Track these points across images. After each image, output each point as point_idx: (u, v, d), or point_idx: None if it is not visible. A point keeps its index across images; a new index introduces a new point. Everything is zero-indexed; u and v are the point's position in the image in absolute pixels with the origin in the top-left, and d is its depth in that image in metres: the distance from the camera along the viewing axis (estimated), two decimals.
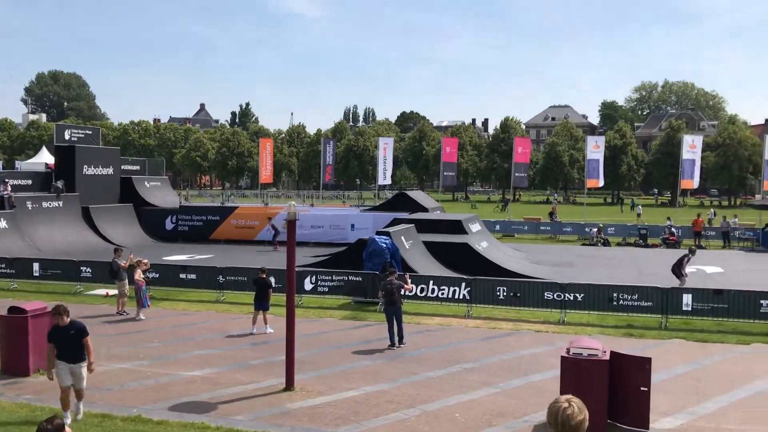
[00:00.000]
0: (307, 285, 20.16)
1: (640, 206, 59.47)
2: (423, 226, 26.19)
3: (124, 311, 18.52)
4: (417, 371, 13.23)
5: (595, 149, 43.90)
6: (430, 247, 24.60)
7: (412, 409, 11.03)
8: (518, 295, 18.43)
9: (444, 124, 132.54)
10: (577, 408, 3.69)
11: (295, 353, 12.15)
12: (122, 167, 39.54)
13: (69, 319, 10.24)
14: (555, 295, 18.04)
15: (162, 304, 19.88)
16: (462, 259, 24.06)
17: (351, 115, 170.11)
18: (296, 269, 13.67)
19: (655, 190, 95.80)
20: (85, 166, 35.51)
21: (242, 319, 17.97)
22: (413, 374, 13.03)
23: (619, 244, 36.75)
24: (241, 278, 20.76)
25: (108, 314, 18.57)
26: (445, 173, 49.17)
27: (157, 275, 21.24)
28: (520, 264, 26.27)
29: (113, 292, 19.79)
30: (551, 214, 47.49)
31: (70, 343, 10.14)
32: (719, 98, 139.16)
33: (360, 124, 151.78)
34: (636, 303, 17.53)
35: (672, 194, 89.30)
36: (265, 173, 49.99)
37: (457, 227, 27.08)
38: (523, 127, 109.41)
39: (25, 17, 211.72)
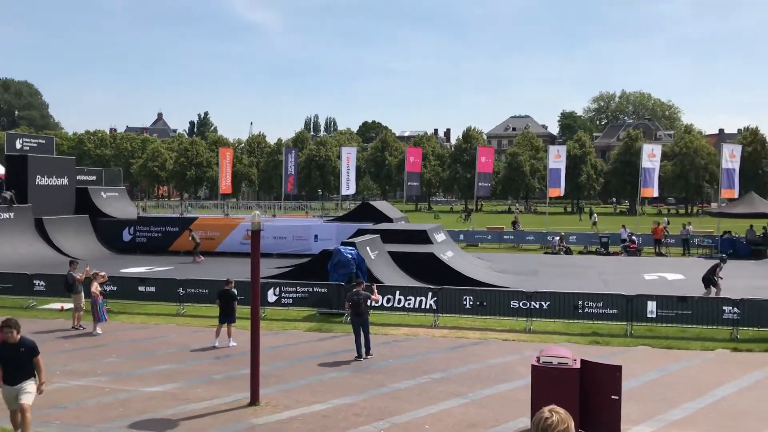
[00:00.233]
0: (271, 297, 19.76)
1: (596, 215, 60.32)
2: (388, 237, 26.00)
3: (80, 326, 17.90)
4: (385, 383, 12.98)
5: (556, 158, 44.33)
6: (396, 257, 24.41)
7: (381, 421, 10.77)
8: (484, 304, 18.34)
9: (406, 134, 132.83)
10: (557, 418, 3.61)
11: (260, 367, 11.80)
12: (77, 177, 38.49)
13: (19, 336, 9.37)
14: (521, 304, 17.99)
15: (120, 318, 19.29)
16: (428, 269, 23.91)
17: (312, 125, 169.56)
18: (260, 281, 13.32)
19: (614, 199, 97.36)
20: (38, 176, 34.46)
21: (204, 333, 17.51)
22: (381, 386, 12.77)
23: (581, 252, 37.07)
24: (202, 290, 20.24)
25: (63, 329, 17.93)
26: (409, 183, 49.11)
27: (115, 288, 20.62)
28: (485, 273, 26.24)
29: (68, 306, 19.12)
30: (514, 224, 47.78)
31: (18, 362, 9.28)
32: (675, 108, 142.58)
33: (321, 134, 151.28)
34: (601, 310, 17.58)
35: (630, 203, 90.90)
36: (225, 183, 49.27)
37: (423, 237, 26.96)
38: (485, 137, 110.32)
39: None
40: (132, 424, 10.65)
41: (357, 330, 14.99)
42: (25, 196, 33.19)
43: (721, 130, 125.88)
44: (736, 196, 39.51)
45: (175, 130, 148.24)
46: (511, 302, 18.09)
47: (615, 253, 35.94)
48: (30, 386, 9.37)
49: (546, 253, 37.00)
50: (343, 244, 21.84)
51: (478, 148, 50.08)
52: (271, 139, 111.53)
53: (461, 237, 40.32)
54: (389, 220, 33.29)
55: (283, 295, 19.83)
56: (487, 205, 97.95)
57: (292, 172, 51.18)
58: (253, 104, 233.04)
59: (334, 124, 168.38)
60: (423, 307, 18.82)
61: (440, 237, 28.78)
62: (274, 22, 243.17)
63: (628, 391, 11.42)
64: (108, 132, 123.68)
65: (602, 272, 28.26)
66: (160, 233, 36.28)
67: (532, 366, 9.87)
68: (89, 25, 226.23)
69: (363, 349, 14.91)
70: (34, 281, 21.55)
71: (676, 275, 27.11)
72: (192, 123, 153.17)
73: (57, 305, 20.67)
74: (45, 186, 34.79)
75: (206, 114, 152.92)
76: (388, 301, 19.04)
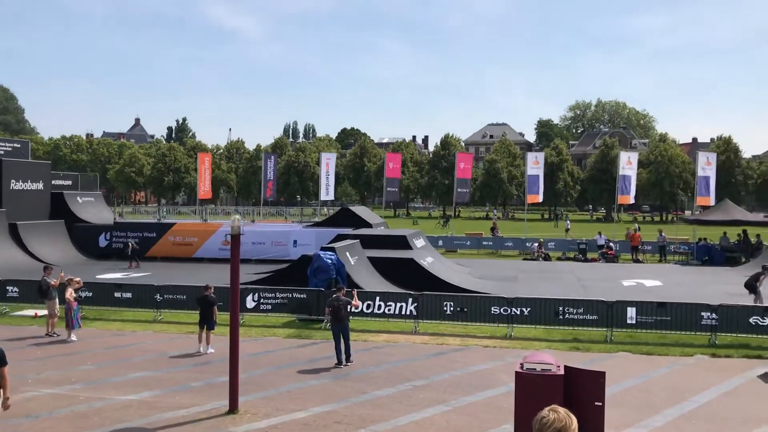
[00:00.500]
0: (249, 303, 19.51)
1: (569, 221, 60.72)
2: (368, 242, 25.85)
3: (54, 332, 17.52)
4: (366, 390, 12.83)
5: (535, 165, 44.53)
6: (376, 262, 24.27)
7: (363, 430, 10.64)
8: (465, 310, 18.27)
9: (385, 140, 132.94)
10: (554, 417, 3.62)
11: (239, 374, 11.60)
12: (53, 182, 37.88)
13: None
14: (502, 310, 17.95)
15: (95, 324, 18.93)
16: (407, 275, 23.79)
17: (291, 131, 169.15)
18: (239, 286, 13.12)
19: (590, 206, 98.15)
20: (12, 180, 33.86)
21: (181, 339, 17.24)
22: (362, 393, 12.63)
23: (559, 259, 37.22)
24: (179, 296, 19.97)
25: (37, 336, 17.54)
26: (388, 188, 49.04)
27: (91, 294, 20.24)
28: (465, 279, 26.20)
29: (42, 312, 18.73)
30: (493, 230, 47.88)
31: None
32: (649, 117, 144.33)
33: (300, 140, 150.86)
34: (582, 316, 17.60)
35: (607, 210, 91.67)
36: (204, 189, 48.84)
37: (402, 243, 26.86)
38: (463, 144, 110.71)
39: None
40: None
41: (337, 336, 14.84)
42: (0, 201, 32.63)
43: (695, 139, 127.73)
44: (711, 203, 39.94)
45: (152, 136, 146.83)
46: (492, 308, 18.04)
47: (593, 260, 36.14)
48: None
49: (525, 259, 37.10)
50: (323, 249, 21.66)
51: (457, 154, 50.18)
52: (250, 145, 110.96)
53: (440, 243, 40.28)
54: (369, 225, 33.16)
55: (262, 301, 19.60)
56: (465, 212, 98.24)
57: (271, 178, 50.89)
58: (231, 110, 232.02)
59: (313, 130, 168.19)
60: (403, 313, 18.70)
61: (420, 242, 28.71)
62: (254, 29, 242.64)
63: (610, 397, 11.37)
64: (84, 137, 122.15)
65: (581, 278, 28.37)
66: (137, 239, 35.75)
67: (516, 372, 9.78)
68: (67, 30, 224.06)
69: (343, 356, 14.75)
70: (7, 287, 21.08)
71: (653, 281, 27.28)
72: (170, 129, 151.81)
73: (31, 312, 20.25)
74: (20, 190, 34.20)
75: (184, 120, 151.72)
76: (368, 307, 18.90)
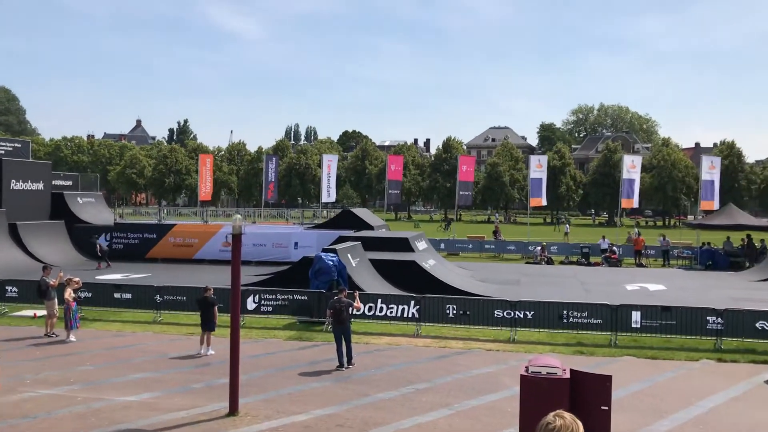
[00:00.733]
0: (250, 304, 19.36)
1: (567, 225, 60.53)
2: (369, 244, 25.71)
3: (53, 333, 17.37)
4: (368, 393, 12.67)
5: (538, 168, 44.31)
6: (377, 265, 24.11)
7: None
8: (468, 313, 18.10)
9: (386, 143, 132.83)
10: (561, 423, 3.48)
11: (239, 375, 11.44)
12: (53, 182, 37.71)
13: None
14: (505, 313, 17.78)
15: (94, 325, 18.78)
16: (409, 277, 23.63)
17: (292, 134, 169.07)
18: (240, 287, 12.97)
19: (592, 211, 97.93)
20: (13, 180, 33.71)
21: (181, 341, 17.09)
22: (364, 396, 12.46)
23: (562, 263, 37.02)
24: (179, 297, 19.82)
25: (36, 336, 17.39)
26: (390, 191, 48.88)
27: (90, 295, 20.09)
28: (468, 282, 26.03)
29: (41, 312, 18.58)
30: (495, 233, 47.72)
31: None
32: (652, 122, 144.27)
33: (302, 142, 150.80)
34: (586, 320, 17.42)
35: (609, 214, 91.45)
36: (205, 190, 48.68)
37: (404, 245, 26.72)
38: (465, 147, 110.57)
39: None
40: None
41: (338, 338, 14.67)
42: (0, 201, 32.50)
43: (697, 144, 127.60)
44: (715, 207, 39.75)
45: (154, 138, 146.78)
46: (495, 311, 17.88)
47: (596, 264, 35.96)
48: None
49: (527, 262, 36.92)
50: (324, 250, 21.52)
51: (459, 157, 50.00)
52: (251, 147, 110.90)
53: (442, 246, 40.10)
54: (370, 227, 32.99)
55: (262, 302, 19.44)
56: (466, 215, 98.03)
57: (273, 179, 50.75)
58: (233, 112, 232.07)
59: (315, 133, 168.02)
60: (405, 315, 18.54)
61: (422, 245, 28.57)
62: (255, 31, 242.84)
63: (615, 401, 11.18)
64: (85, 138, 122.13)
65: (584, 282, 28.18)
66: (138, 240, 35.66)
67: (521, 376, 9.61)
68: (68, 32, 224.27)
69: (345, 359, 14.59)
70: (6, 287, 20.94)
71: (657, 286, 27.09)
72: (171, 130, 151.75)
73: (30, 312, 20.10)
74: (20, 191, 34.05)
75: (186, 122, 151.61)
76: (370, 309, 18.75)
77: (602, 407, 9.66)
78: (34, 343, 16.75)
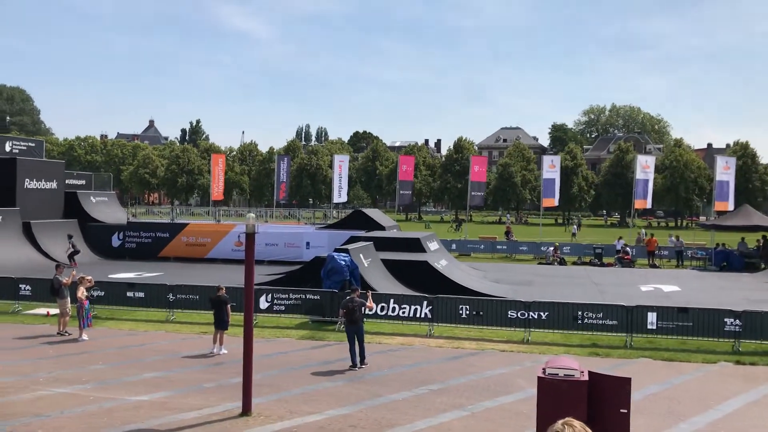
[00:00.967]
0: (263, 304, 19.31)
1: (575, 226, 60.18)
2: (381, 244, 25.61)
3: (66, 331, 17.37)
4: (381, 393, 12.55)
5: (550, 168, 44.05)
6: (389, 265, 24.01)
7: None
8: (481, 313, 17.96)
9: (397, 144, 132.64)
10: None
11: (252, 375, 11.36)
12: (67, 181, 37.91)
13: None
14: (519, 314, 17.63)
15: (107, 324, 18.78)
16: (421, 278, 23.51)
17: (303, 134, 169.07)
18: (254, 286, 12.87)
19: (604, 211, 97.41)
20: (27, 179, 33.87)
21: (194, 340, 17.05)
22: (377, 396, 12.35)
23: (575, 263, 36.78)
24: (192, 296, 19.79)
25: (49, 335, 17.40)
26: (401, 191, 48.75)
27: (103, 293, 20.11)
28: (480, 282, 25.87)
29: (54, 311, 18.60)
30: (507, 234, 47.51)
31: None
32: (664, 122, 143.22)
33: (313, 143, 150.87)
34: (601, 321, 17.24)
35: (621, 215, 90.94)
36: (217, 190, 48.75)
37: (416, 245, 26.59)
38: (476, 148, 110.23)
39: None
40: None
41: (351, 338, 14.58)
42: (13, 200, 32.61)
43: (710, 145, 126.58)
44: (730, 208, 39.36)
45: (166, 138, 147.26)
46: (509, 312, 17.73)
47: (609, 265, 35.68)
48: None
49: (540, 263, 36.69)
50: (337, 250, 21.44)
51: (471, 158, 49.80)
52: (263, 148, 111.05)
53: (453, 247, 39.94)
54: (381, 227, 32.89)
55: (275, 302, 19.39)
56: (477, 216, 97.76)
57: (285, 180, 50.74)
58: (244, 113, 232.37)
59: (326, 133, 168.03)
60: (418, 316, 18.43)
61: (434, 245, 28.43)
62: (267, 33, 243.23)
63: (632, 404, 10.99)
64: (99, 138, 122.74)
65: (598, 283, 27.95)
66: (150, 239, 35.73)
67: (539, 378, 9.47)
68: (82, 32, 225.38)
69: (357, 358, 14.49)
70: (20, 285, 21.00)
71: (671, 287, 26.82)
72: (183, 131, 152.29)
73: (43, 310, 20.14)
74: (34, 189, 34.20)
75: (198, 122, 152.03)
76: (382, 309, 18.64)
77: (621, 410, 9.51)
78: (47, 341, 16.76)
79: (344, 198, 50.16)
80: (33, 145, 38.11)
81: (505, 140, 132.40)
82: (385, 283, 22.32)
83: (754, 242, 35.79)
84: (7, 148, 35.11)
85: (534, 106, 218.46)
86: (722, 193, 38.80)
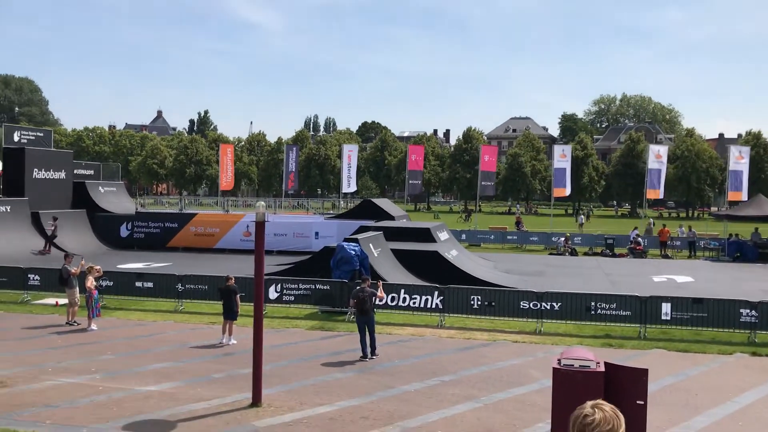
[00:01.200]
0: (272, 294, 19.16)
1: (582, 216, 59.81)
2: (390, 234, 25.42)
3: (75, 321, 17.28)
4: (393, 384, 12.40)
5: (562, 158, 43.64)
6: (399, 255, 23.82)
7: (391, 426, 10.20)
8: (493, 304, 17.76)
9: (406, 134, 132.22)
10: (600, 417, 2.97)
11: (262, 366, 11.21)
12: (75, 171, 37.80)
13: None
14: (531, 305, 17.42)
15: (116, 314, 18.68)
16: (431, 268, 23.31)
17: (312, 124, 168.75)
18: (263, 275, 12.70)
19: (614, 202, 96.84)
20: (35, 169, 33.80)
21: (203, 330, 16.94)
22: (389, 388, 12.19)
23: (586, 254, 36.51)
24: (201, 287, 19.66)
25: (57, 324, 17.32)
26: (411, 181, 48.50)
27: (111, 283, 20.02)
28: (491, 273, 25.66)
29: (63, 300, 18.51)
30: (518, 224, 47.22)
31: None
32: (675, 112, 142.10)
33: (321, 133, 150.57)
34: (614, 312, 17.00)
35: (632, 205, 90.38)
36: (226, 180, 48.59)
37: (426, 235, 26.38)
38: (485, 138, 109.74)
39: None
40: (127, 425, 10.07)
41: (362, 328, 14.42)
42: (21, 190, 32.57)
43: (721, 135, 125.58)
44: (743, 198, 38.90)
45: (174, 128, 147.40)
46: (521, 303, 17.52)
47: (620, 255, 35.38)
48: None
49: (551, 253, 36.41)
50: (346, 240, 21.26)
51: (481, 147, 49.45)
52: (271, 138, 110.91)
53: (463, 237, 39.69)
54: (391, 217, 32.68)
55: (284, 292, 19.24)
56: (486, 206, 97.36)
57: (293, 169, 50.57)
58: (253, 103, 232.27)
59: (334, 124, 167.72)
60: (429, 306, 18.24)
61: (444, 235, 28.21)
62: (275, 22, 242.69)
63: (648, 395, 10.82)
64: (107, 129, 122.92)
65: (609, 273, 27.69)
66: (159, 229, 35.66)
67: (554, 369, 9.27)
68: (90, 22, 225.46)
69: (368, 349, 14.34)
70: (29, 275, 20.93)
71: (685, 277, 26.53)
72: (192, 121, 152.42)
73: (51, 300, 20.07)
74: (42, 179, 34.15)
75: (206, 112, 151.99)
76: (393, 299, 18.46)
77: (638, 402, 9.31)
78: (56, 331, 16.68)
79: (353, 188, 49.98)
80: (41, 135, 38.02)
81: (514, 130, 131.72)
82: (395, 273, 22.14)
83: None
84: (16, 138, 35.03)
85: (544, 96, 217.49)
86: (736, 183, 38.33)
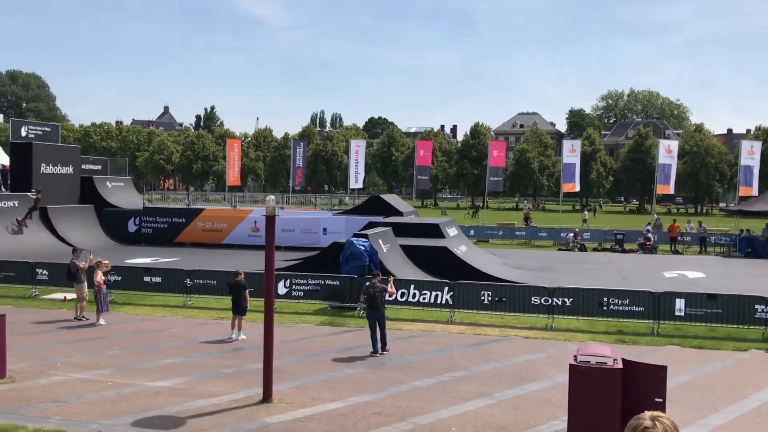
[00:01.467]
0: (281, 289, 19.05)
1: (586, 212, 59.48)
2: (399, 230, 25.23)
3: (83, 316, 17.20)
4: (404, 380, 12.25)
5: (571, 153, 43.33)
6: (408, 250, 23.66)
7: (404, 422, 10.05)
8: (503, 299, 17.60)
9: (413, 130, 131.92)
10: (661, 429, 2.89)
11: (273, 361, 11.07)
12: (83, 166, 37.79)
13: None
14: (542, 300, 17.24)
15: (124, 309, 18.62)
16: (441, 264, 23.14)
17: (318, 120, 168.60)
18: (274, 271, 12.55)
19: (622, 198, 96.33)
20: (43, 164, 33.78)
21: (211, 325, 16.83)
22: (400, 383, 12.05)
23: (595, 249, 36.27)
24: (210, 281, 19.57)
25: (66, 319, 17.26)
26: (419, 177, 48.28)
27: (120, 278, 19.95)
28: (501, 269, 25.47)
29: (71, 295, 18.45)
30: (526, 220, 46.98)
31: None
32: (683, 108, 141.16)
33: (327, 129, 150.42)
34: (627, 308, 16.82)
35: (640, 201, 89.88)
36: (233, 175, 48.49)
37: (435, 231, 26.20)
38: (493, 133, 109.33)
39: None
40: (136, 421, 9.94)
41: (373, 324, 14.27)
42: (29, 184, 32.53)
43: (730, 130, 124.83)
44: (754, 193, 38.54)
45: (181, 124, 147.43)
46: (532, 298, 17.35)
47: (630, 251, 35.13)
48: None
49: (560, 249, 36.19)
50: (355, 236, 21.11)
51: (490, 142, 49.17)
52: (278, 134, 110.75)
53: (471, 233, 39.51)
54: (399, 213, 32.53)
55: (293, 287, 19.14)
56: (493, 202, 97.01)
57: (301, 165, 50.43)
58: (259, 99, 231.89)
59: (340, 119, 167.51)
60: (439, 302, 18.09)
61: (453, 231, 28.01)
62: (281, 18, 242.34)
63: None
64: (114, 124, 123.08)
65: (620, 269, 27.45)
66: (167, 224, 35.60)
67: (571, 365, 9.10)
68: (97, 18, 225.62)
69: (379, 345, 14.20)
70: (37, 270, 20.90)
71: (696, 273, 26.26)
72: (198, 117, 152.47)
73: (60, 295, 20.01)
74: (50, 174, 34.11)
75: (213, 108, 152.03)
76: (402, 295, 18.30)
77: (656, 399, 9.13)
78: (65, 326, 16.61)
79: (360, 184, 49.80)
80: (49, 129, 37.99)
81: (521, 126, 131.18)
82: (404, 268, 21.99)
83: None
84: (23, 133, 35.02)
85: (551, 92, 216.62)
86: (747, 178, 37.98)
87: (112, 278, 19.03)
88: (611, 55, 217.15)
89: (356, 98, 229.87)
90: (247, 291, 15.60)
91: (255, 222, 33.99)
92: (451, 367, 13.20)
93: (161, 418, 10.10)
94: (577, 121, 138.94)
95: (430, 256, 23.66)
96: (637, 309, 16.74)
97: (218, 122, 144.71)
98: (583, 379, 9.10)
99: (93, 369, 12.70)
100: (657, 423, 2.91)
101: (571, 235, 36.86)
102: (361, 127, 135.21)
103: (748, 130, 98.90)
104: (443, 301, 18.02)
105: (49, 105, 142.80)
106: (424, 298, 18.27)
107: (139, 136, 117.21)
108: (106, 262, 17.79)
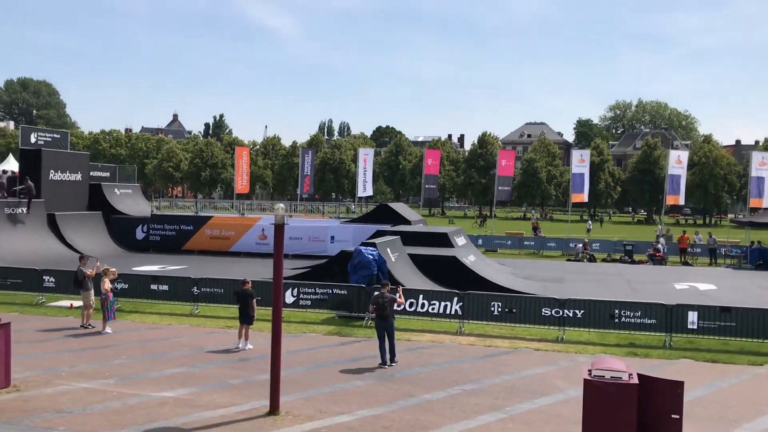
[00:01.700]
0: (288, 298, 18.88)
1: (590, 222, 59.13)
2: (407, 239, 25.03)
3: (90, 324, 17.07)
4: (414, 393, 12.04)
5: (580, 163, 43.11)
6: (416, 260, 23.46)
7: None
8: (514, 311, 17.36)
9: (420, 139, 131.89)
10: None
11: (280, 372, 10.89)
12: (91, 173, 37.80)
13: None
14: (553, 312, 17.00)
15: (130, 317, 18.47)
16: (449, 273, 22.93)
17: (326, 129, 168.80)
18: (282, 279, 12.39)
19: (630, 208, 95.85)
20: (51, 171, 33.79)
21: (218, 334, 16.66)
22: (410, 396, 11.84)
23: (604, 260, 35.99)
24: (217, 290, 19.41)
25: (72, 327, 17.13)
26: (426, 185, 48.11)
27: (127, 286, 19.81)
28: (510, 279, 25.24)
29: (78, 303, 18.32)
30: (535, 230, 46.73)
31: None
32: (692, 118, 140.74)
33: (335, 137, 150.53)
34: (639, 320, 16.55)
35: (648, 211, 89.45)
36: (241, 183, 48.46)
37: (443, 240, 26.01)
38: (500, 143, 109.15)
39: None
40: None
41: (381, 335, 14.08)
42: (38, 191, 32.52)
43: (738, 141, 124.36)
44: (765, 205, 38.18)
45: (190, 132, 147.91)
46: (543, 310, 17.11)
47: (640, 262, 34.83)
48: None
49: (569, 260, 35.93)
50: (363, 244, 20.93)
51: (498, 152, 49.04)
52: (286, 142, 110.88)
53: (480, 242, 39.28)
54: (407, 222, 32.36)
55: (301, 296, 18.96)
56: (501, 212, 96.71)
57: (309, 173, 50.34)
58: (267, 108, 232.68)
59: (348, 128, 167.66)
60: (448, 312, 17.87)
61: (461, 241, 27.82)
62: (290, 27, 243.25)
63: None
64: (123, 132, 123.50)
65: (630, 280, 27.19)
66: (174, 232, 35.53)
67: (585, 380, 8.88)
68: (107, 27, 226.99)
69: (387, 356, 13.99)
70: (44, 277, 20.80)
71: (707, 285, 25.97)
72: (207, 125, 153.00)
73: (66, 302, 19.90)
74: (58, 181, 34.12)
75: (221, 116, 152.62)
76: (411, 305, 18.09)
77: (673, 416, 8.91)
78: (71, 334, 16.48)
79: (369, 192, 49.65)
80: (58, 136, 38.00)
81: (529, 135, 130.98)
82: (412, 278, 21.79)
83: None
84: (33, 140, 35.02)
85: (559, 102, 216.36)
86: (758, 190, 37.63)
87: (119, 286, 18.90)
88: (619, 65, 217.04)
89: (364, 107, 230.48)
90: (255, 300, 15.43)
91: (263, 230, 33.89)
92: (461, 379, 12.99)
93: (167, 429, 9.93)
94: (585, 132, 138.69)
95: (439, 266, 23.46)
96: (649, 321, 16.48)
97: (227, 130, 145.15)
98: (598, 395, 8.88)
99: (98, 378, 12.55)
100: None
101: (581, 245, 36.59)
102: (369, 136, 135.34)
103: (757, 142, 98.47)
104: (452, 312, 17.80)
105: (59, 112, 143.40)
106: (433, 309, 18.05)
107: (148, 144, 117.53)
108: (113, 269, 17.65)
